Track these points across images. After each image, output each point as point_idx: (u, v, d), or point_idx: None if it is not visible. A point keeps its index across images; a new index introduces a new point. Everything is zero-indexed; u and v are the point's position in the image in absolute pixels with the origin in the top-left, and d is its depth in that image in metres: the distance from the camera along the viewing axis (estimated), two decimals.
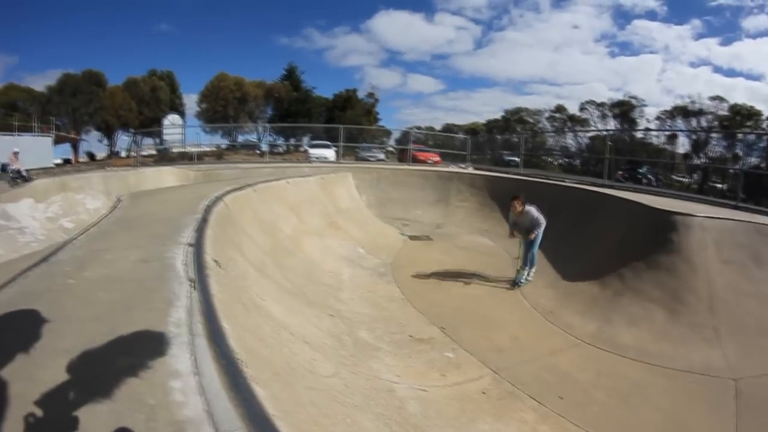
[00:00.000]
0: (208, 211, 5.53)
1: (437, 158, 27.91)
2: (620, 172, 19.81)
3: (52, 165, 37.33)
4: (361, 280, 8.54)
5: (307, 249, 8.83)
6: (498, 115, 71.53)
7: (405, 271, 9.36)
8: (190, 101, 61.67)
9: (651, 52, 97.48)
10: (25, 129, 38.71)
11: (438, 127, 74.51)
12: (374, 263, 9.79)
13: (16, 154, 20.31)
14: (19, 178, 18.81)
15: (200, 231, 4.29)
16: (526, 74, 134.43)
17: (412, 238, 12.55)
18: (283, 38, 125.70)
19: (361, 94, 60.18)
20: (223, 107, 50.75)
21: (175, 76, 60.18)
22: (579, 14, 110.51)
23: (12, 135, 36.42)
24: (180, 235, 4.24)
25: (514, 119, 66.14)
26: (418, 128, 64.18)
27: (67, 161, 44.78)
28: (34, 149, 32.80)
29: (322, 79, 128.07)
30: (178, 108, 56.07)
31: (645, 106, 48.99)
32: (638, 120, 48.23)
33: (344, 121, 39.86)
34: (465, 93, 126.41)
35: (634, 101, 49.66)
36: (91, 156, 54.87)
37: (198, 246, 3.77)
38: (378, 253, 10.41)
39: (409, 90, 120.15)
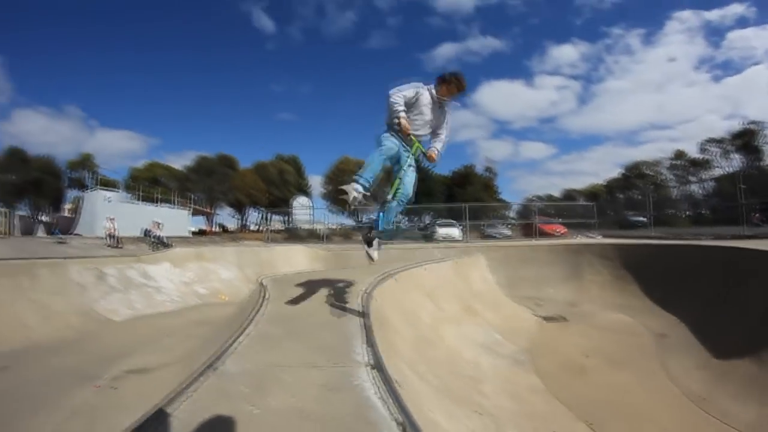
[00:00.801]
0: (366, 313, 5.40)
1: (563, 229, 27.36)
2: (756, 215, 18.50)
3: (188, 234, 41.08)
4: (501, 370, 8.15)
5: (447, 338, 8.56)
6: (615, 173, 70.15)
7: (543, 357, 8.91)
8: (315, 182, 65.20)
9: (755, 64, 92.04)
10: (165, 201, 42.69)
11: (556, 193, 73.97)
12: (511, 350, 9.40)
13: (157, 223, 22.81)
14: (160, 243, 21.07)
15: (373, 345, 4.04)
16: (635, 123, 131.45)
17: (547, 319, 12.03)
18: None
19: (478, 168, 61.28)
20: None
21: (300, 159, 64.84)
22: (671, 45, 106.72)
23: (155, 205, 40.50)
24: (352, 348, 4.01)
25: (634, 175, 64.24)
26: (538, 197, 64.03)
27: (201, 231, 49.60)
28: (174, 219, 36.36)
29: None
30: (303, 189, 59.70)
31: (767, 128, 46.04)
32: (763, 147, 45.29)
33: (465, 197, 40.30)
34: (578, 154, 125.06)
35: (753, 127, 46.84)
36: (223, 228, 60.22)
37: (380, 368, 3.48)
38: (514, 338, 10.05)
39: (521, 158, 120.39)
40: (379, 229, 6.22)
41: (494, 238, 29.79)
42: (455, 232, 30.00)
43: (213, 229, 55.95)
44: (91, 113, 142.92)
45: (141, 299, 14.28)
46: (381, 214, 6.18)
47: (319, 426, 2.69)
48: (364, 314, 5.30)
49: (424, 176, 52.24)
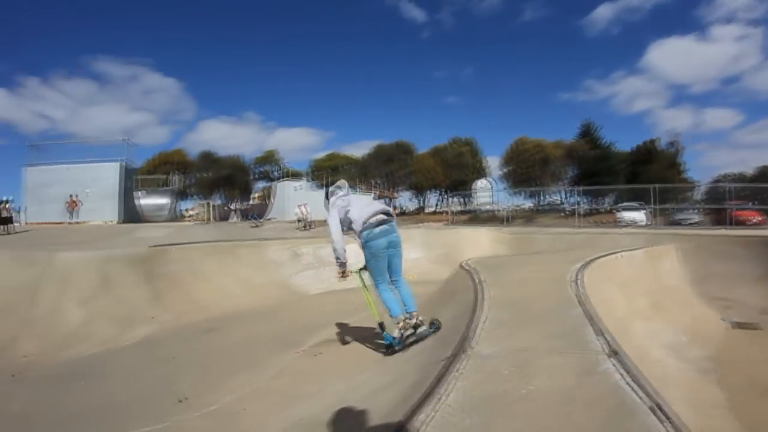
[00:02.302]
0: (583, 303, 5.54)
1: (759, 217, 24.84)
2: None
3: None
4: (685, 376, 7.79)
5: (637, 335, 8.23)
6: None
7: (729, 368, 8.19)
8: (493, 163, 65.02)
9: None
10: (350, 187, 45.15)
11: (748, 170, 65.32)
12: (697, 355, 8.84)
13: None
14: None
15: (604, 334, 4.23)
16: None
17: (737, 325, 10.84)
18: (564, 94, 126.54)
19: (662, 143, 56.92)
20: (527, 169, 52.42)
21: (476, 141, 65.18)
22: None
23: None
24: (584, 336, 4.22)
25: None
26: (724, 176, 58.41)
27: None
28: None
29: (612, 129, 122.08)
30: (481, 171, 59.66)
31: None
32: None
33: (649, 176, 37.84)
34: None
35: None
36: (403, 211, 61.49)
37: (619, 355, 3.61)
38: (701, 342, 9.45)
39: (705, 129, 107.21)
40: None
41: (681, 224, 27.75)
42: (640, 216, 28.24)
43: (395, 212, 58.26)
44: (268, 116, 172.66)
45: (333, 276, 15.30)
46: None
47: (583, 407, 2.93)
48: (580, 303, 5.49)
49: (605, 154, 49.53)
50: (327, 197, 7.03)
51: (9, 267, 11.78)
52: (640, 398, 2.92)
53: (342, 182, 7.20)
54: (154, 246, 13.32)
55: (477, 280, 7.04)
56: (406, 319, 6.31)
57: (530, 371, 3.41)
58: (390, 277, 6.60)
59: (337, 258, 6.66)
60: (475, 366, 3.59)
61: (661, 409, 2.74)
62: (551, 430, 2.65)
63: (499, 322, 4.79)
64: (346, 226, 6.68)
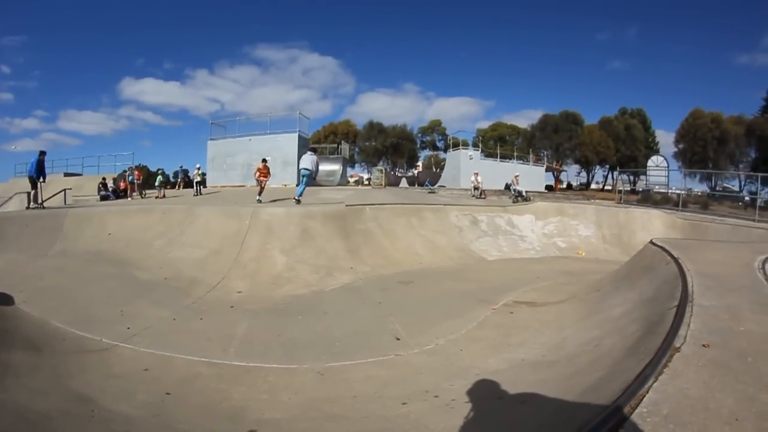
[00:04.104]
0: None
1: None
2: None
3: (543, 190, 42.85)
4: None
5: None
6: None
7: None
8: (663, 138, 59.99)
9: None
10: (519, 158, 44.88)
11: None
12: None
13: (517, 177, 24.57)
14: (520, 196, 22.67)
15: None
16: None
17: None
18: (741, 56, 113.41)
19: None
20: (702, 148, 47.41)
21: (645, 112, 60.95)
22: None
23: (511, 162, 42.92)
24: None
25: None
26: None
27: (549, 187, 50.24)
28: (529, 175, 38.59)
29: None
30: (651, 147, 56.41)
31: None
32: None
33: None
34: None
35: None
36: (569, 185, 60.20)
37: None
38: None
39: None
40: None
41: None
42: None
43: (559, 186, 56.54)
44: (426, 87, 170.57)
45: (507, 245, 16.45)
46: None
47: None
48: None
49: None
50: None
51: (218, 219, 13.74)
52: None
53: (312, 149, 20.12)
54: (349, 205, 14.70)
55: (675, 255, 7.19)
56: (297, 196, 16.08)
57: (741, 318, 4.14)
58: (299, 182, 17.11)
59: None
60: (699, 311, 4.31)
61: None
62: (764, 350, 3.46)
63: (705, 287, 5.22)
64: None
